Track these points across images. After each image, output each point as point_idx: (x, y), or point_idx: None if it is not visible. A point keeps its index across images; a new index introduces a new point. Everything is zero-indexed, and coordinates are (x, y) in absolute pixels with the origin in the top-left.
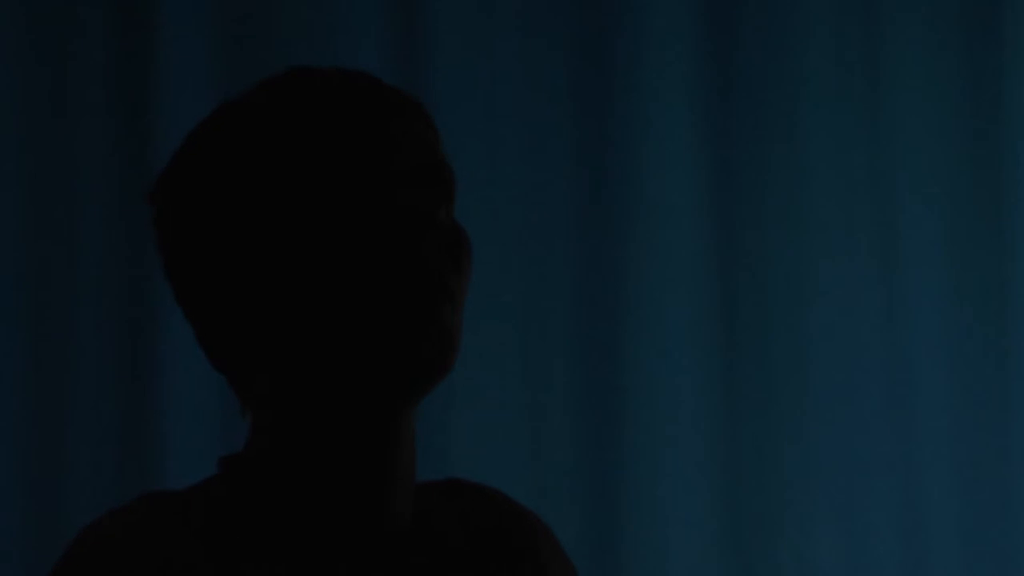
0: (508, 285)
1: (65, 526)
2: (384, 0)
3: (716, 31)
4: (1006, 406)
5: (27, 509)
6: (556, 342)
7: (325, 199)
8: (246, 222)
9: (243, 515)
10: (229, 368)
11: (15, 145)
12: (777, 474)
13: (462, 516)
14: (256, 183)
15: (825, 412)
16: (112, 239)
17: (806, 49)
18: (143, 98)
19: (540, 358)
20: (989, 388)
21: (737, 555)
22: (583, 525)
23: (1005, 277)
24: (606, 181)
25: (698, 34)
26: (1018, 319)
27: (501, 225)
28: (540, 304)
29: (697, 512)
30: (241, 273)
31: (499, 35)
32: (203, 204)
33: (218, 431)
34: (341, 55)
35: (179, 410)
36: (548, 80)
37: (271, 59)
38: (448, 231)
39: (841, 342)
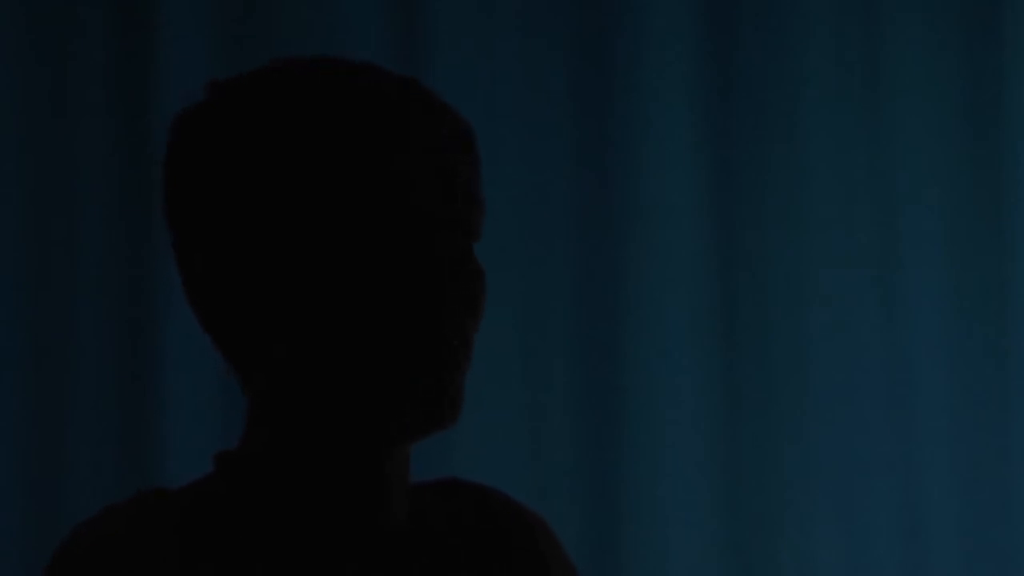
0: (508, 285)
1: (65, 526)
2: (384, 0)
3: (716, 31)
4: (1006, 406)
5: (27, 509)
6: (556, 342)
7: (345, 196)
8: (259, 201)
9: (240, 513)
10: (223, 345)
11: (15, 145)
12: (777, 474)
13: (457, 516)
14: (277, 164)
15: (825, 412)
16: (112, 239)
17: (806, 49)
18: (143, 98)
19: (540, 358)
20: (989, 388)
21: (737, 555)
22: (583, 525)
23: (1005, 277)
24: (606, 181)
25: (698, 34)
26: (1018, 319)
27: (501, 225)
28: (540, 304)
29: (697, 512)
30: (244, 252)
31: (499, 35)
32: (221, 170)
33: (218, 431)
34: (341, 55)
35: (179, 410)
36: (548, 80)
37: (271, 59)
38: (470, 269)
39: (841, 342)
